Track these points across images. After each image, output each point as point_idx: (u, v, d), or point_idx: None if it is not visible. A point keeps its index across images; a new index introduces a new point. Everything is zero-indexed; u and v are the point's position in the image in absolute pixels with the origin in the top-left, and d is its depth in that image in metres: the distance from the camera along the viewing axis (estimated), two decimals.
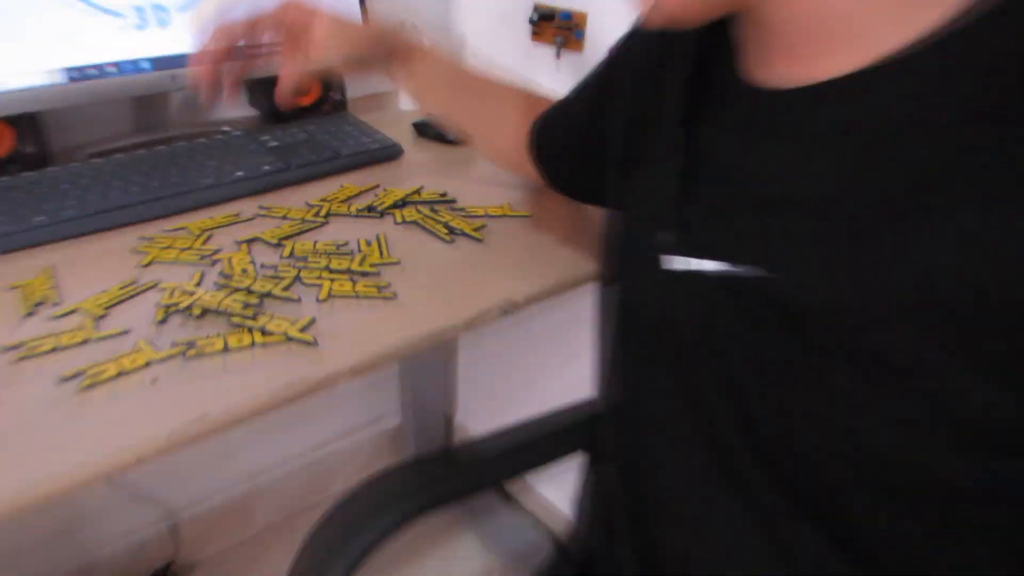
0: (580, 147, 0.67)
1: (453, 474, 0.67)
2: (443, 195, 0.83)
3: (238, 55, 0.68)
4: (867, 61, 0.36)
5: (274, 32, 0.69)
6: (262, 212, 0.78)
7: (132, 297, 0.63)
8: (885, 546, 0.39)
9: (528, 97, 0.76)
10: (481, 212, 0.79)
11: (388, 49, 0.74)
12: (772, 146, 0.41)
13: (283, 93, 0.70)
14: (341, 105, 1.07)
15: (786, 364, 0.39)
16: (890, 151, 0.35)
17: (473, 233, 0.75)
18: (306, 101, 1.03)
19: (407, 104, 1.16)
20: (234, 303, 0.61)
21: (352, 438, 1.54)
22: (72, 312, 0.61)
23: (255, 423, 0.55)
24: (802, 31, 0.39)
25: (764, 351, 0.40)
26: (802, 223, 0.38)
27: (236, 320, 0.60)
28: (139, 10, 0.86)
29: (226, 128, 0.99)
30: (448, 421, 1.59)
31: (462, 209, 0.80)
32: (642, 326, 0.50)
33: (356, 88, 1.12)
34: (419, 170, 0.92)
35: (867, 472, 0.38)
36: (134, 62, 0.87)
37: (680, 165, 0.46)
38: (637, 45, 0.58)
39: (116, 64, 0.85)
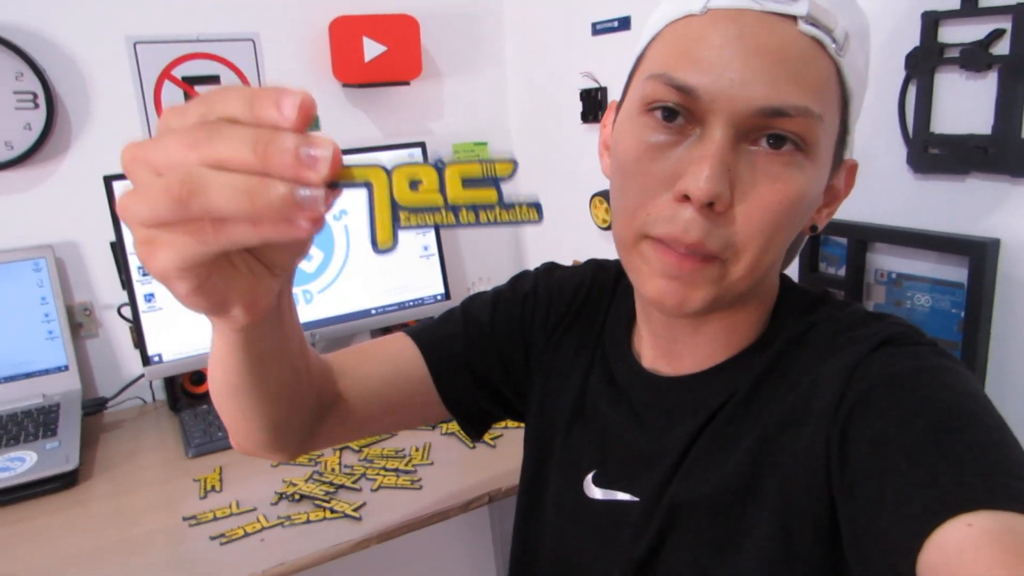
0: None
1: None
2: None
3: None
4: (707, 367, 0.60)
5: None
6: None
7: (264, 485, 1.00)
8: None
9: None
10: (503, 425, 1.10)
11: None
12: (653, 416, 0.63)
13: None
14: None
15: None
16: (718, 411, 0.58)
17: (489, 442, 1.06)
18: None
19: None
20: (319, 490, 0.95)
21: None
22: (225, 495, 0.98)
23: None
24: (677, 345, 0.61)
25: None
26: (664, 470, 0.60)
27: (318, 502, 0.93)
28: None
29: None
30: None
31: None
32: None
33: None
34: None
35: None
36: None
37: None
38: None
39: None
